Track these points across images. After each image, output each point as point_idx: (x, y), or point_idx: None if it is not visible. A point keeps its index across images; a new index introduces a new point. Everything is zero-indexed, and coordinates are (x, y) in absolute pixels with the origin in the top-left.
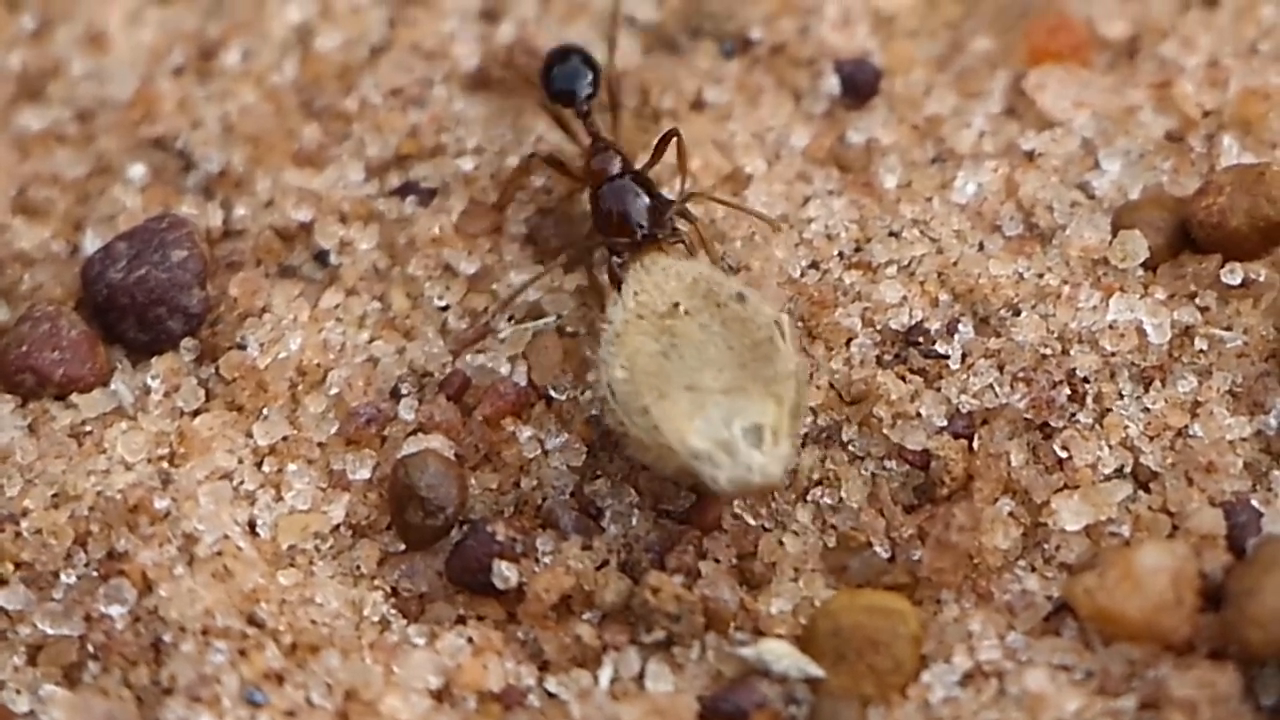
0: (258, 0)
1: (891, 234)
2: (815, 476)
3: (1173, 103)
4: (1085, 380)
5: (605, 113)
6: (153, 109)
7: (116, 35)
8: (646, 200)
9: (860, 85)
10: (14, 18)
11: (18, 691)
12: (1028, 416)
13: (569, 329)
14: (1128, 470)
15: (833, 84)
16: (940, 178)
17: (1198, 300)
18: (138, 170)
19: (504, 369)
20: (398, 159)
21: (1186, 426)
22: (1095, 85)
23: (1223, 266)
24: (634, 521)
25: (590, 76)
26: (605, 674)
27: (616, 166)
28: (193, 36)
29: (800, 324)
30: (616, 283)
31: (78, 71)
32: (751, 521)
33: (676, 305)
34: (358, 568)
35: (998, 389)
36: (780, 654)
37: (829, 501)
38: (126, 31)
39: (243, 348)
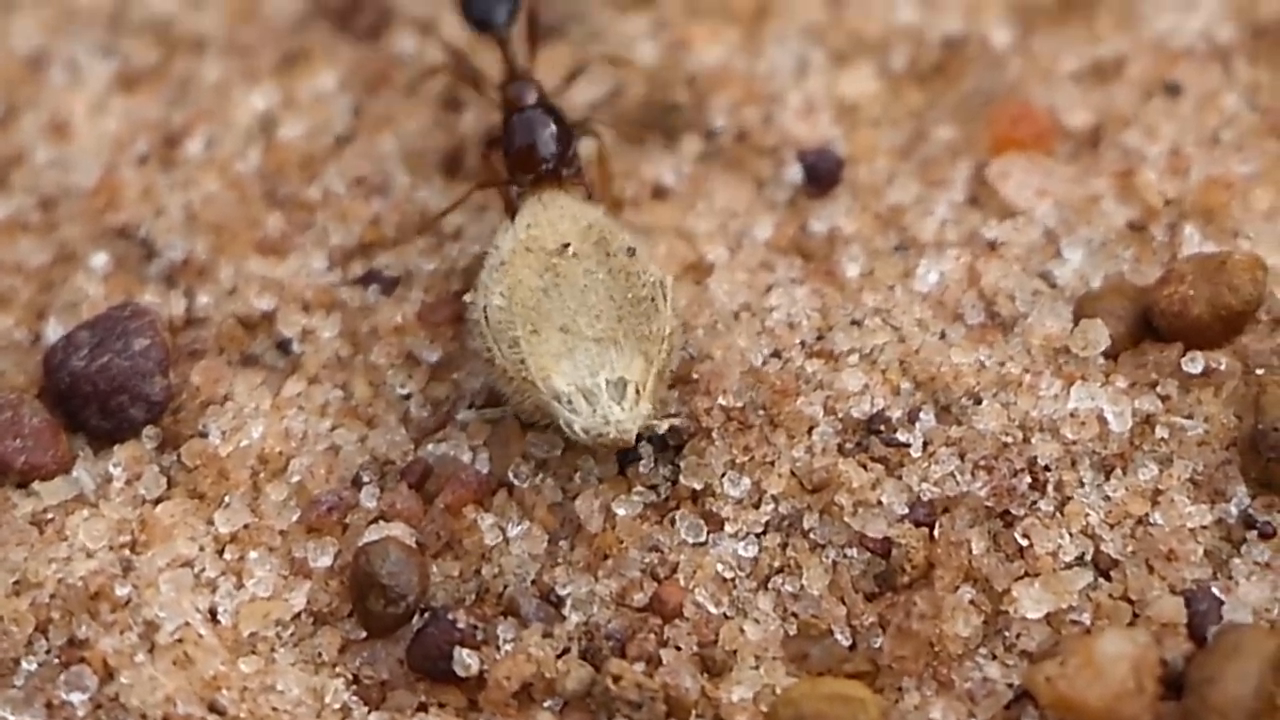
0: (221, 89)
1: (854, 322)
2: (776, 564)
3: (1135, 191)
4: (1046, 468)
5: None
6: (116, 197)
7: (80, 124)
8: (554, 132)
9: (823, 174)
10: None
11: None
12: (989, 504)
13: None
14: (1089, 558)
15: (795, 172)
16: (903, 266)
17: (1159, 389)
18: (100, 259)
19: (465, 456)
20: (361, 247)
21: (1147, 514)
22: (1058, 174)
23: (1184, 355)
24: (595, 609)
25: (509, 4)
26: None
27: (531, 98)
28: (157, 125)
29: (762, 412)
30: (511, 212)
31: (41, 160)
32: (713, 609)
33: (566, 246)
34: (319, 655)
35: (959, 477)
36: None
37: (790, 589)
38: (91, 120)
39: (205, 435)
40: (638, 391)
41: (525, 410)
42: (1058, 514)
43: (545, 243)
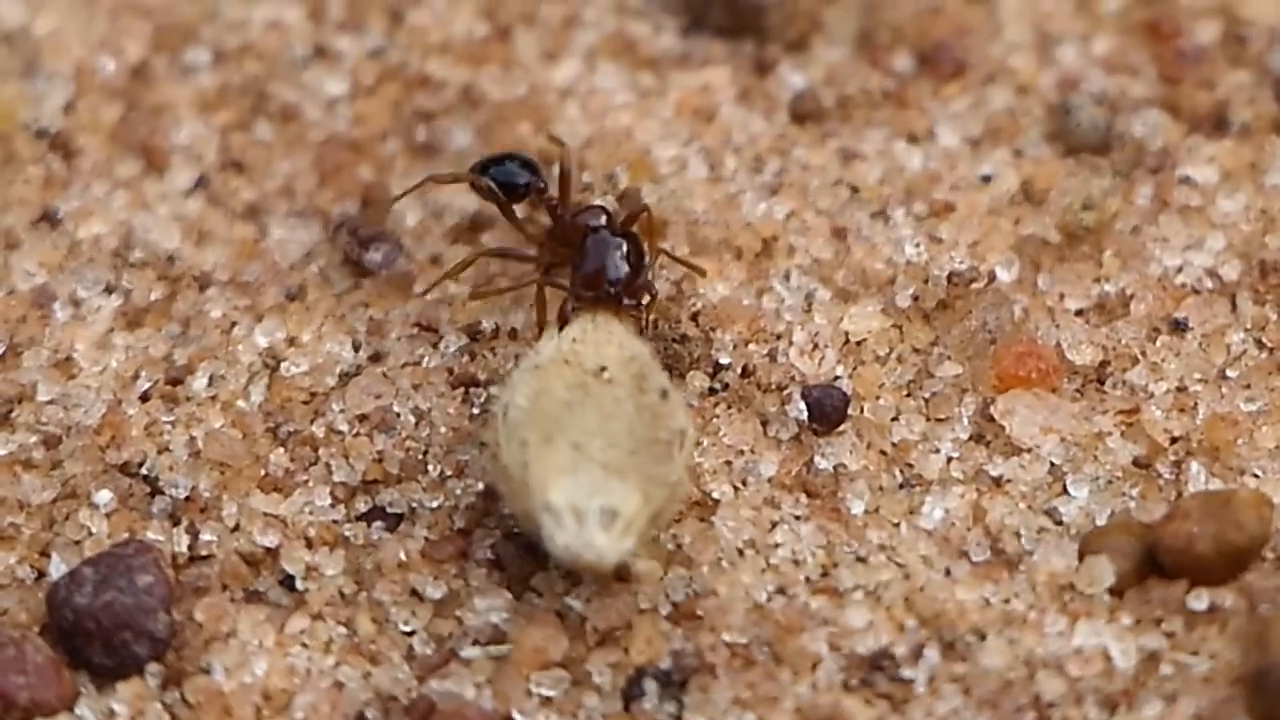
0: (225, 326)
1: (858, 559)
2: None
3: (1141, 429)
4: (1051, 705)
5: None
6: (120, 434)
7: (84, 360)
8: (629, 259)
9: (828, 411)
10: None
11: None
12: None
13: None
14: None
15: (801, 409)
16: (908, 503)
17: (1164, 626)
18: (104, 495)
19: (469, 694)
20: (364, 484)
21: None
22: (1063, 411)
23: (1189, 592)
24: None
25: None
26: None
27: (603, 220)
28: (160, 362)
29: (766, 648)
30: (563, 322)
31: (44, 396)
32: None
33: (603, 369)
34: None
35: (963, 714)
36: None
37: None
38: (94, 356)
39: (208, 672)
40: (627, 525)
41: (514, 512)
42: None
43: (585, 360)
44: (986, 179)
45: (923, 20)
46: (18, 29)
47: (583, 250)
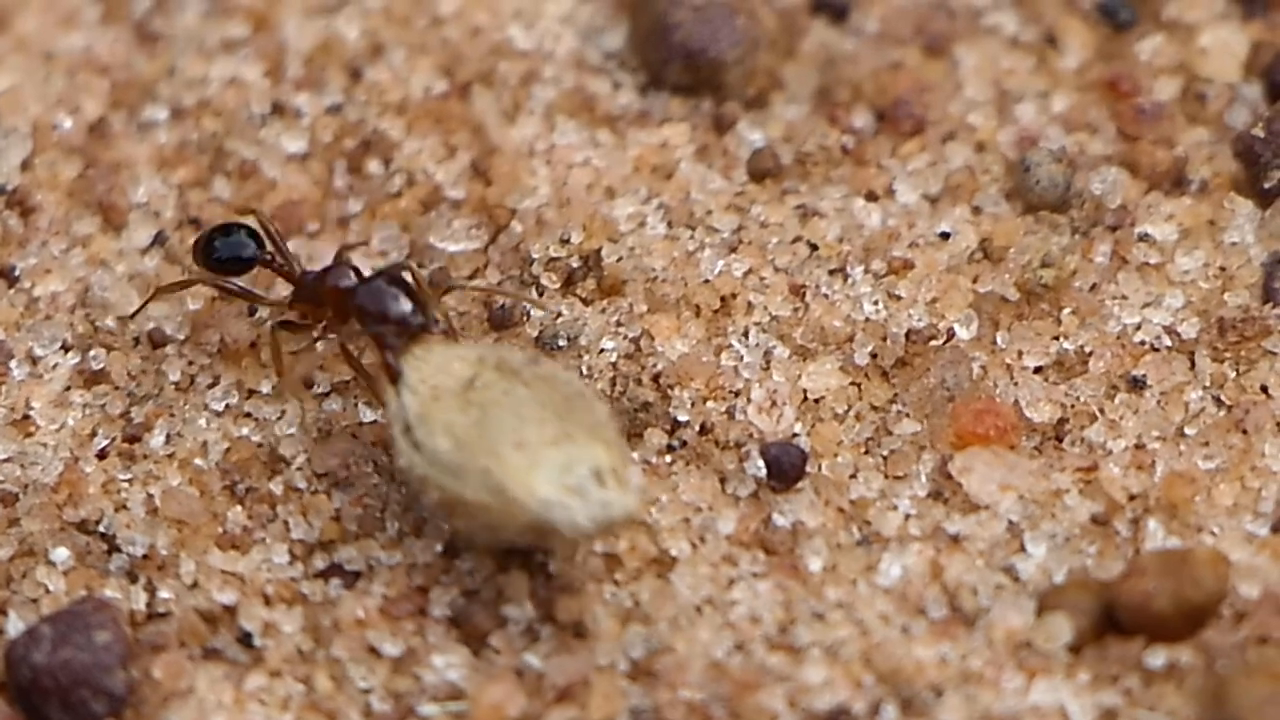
0: (184, 383)
1: (816, 616)
2: None
3: (1099, 486)
4: None
5: None
6: (77, 492)
7: (41, 418)
8: (409, 294)
9: (786, 468)
10: None
11: None
12: None
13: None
14: None
15: (759, 466)
16: (866, 560)
17: (1121, 683)
18: (62, 553)
19: None
20: (322, 543)
21: None
22: (1021, 468)
23: (1146, 649)
24: None
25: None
26: None
27: (354, 274)
28: (118, 419)
29: (724, 705)
30: (394, 376)
31: (1, 454)
32: None
33: (471, 380)
34: None
35: None
36: None
37: None
38: (51, 414)
39: None
40: (613, 471)
41: (510, 535)
42: None
43: (447, 386)
44: (945, 236)
45: (882, 77)
46: None
47: (364, 306)
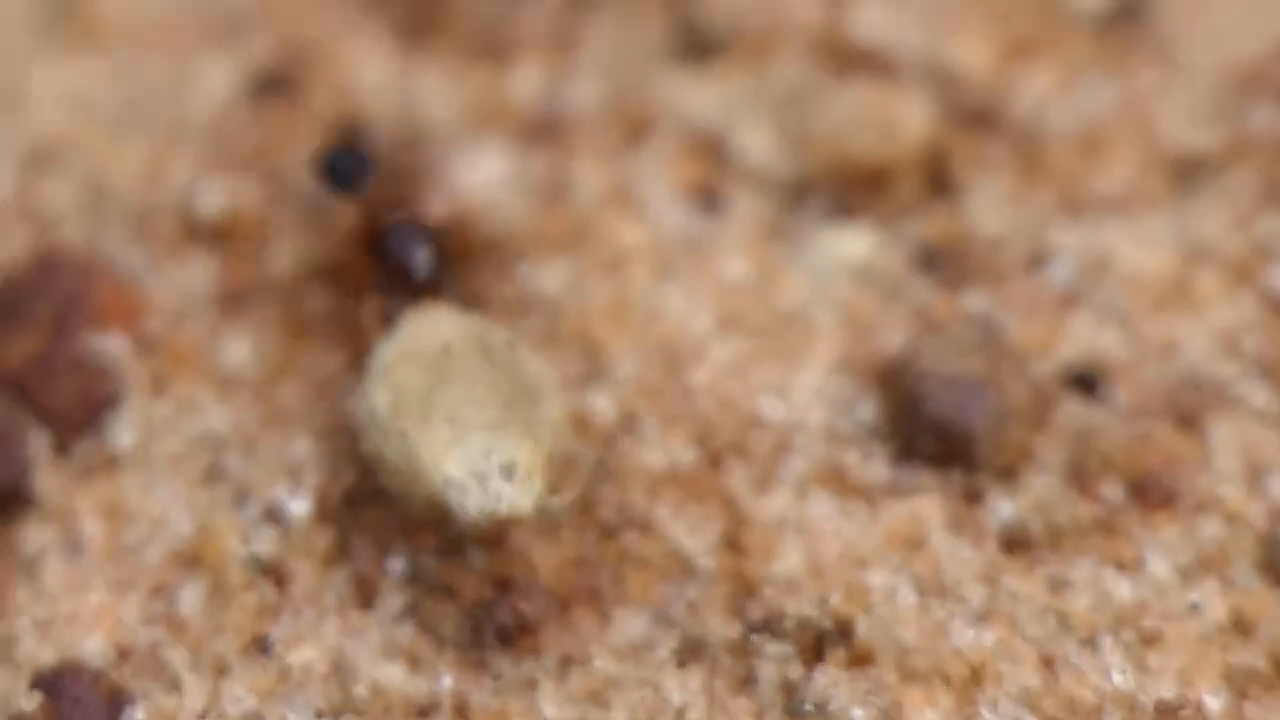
0: None
1: None
2: None
3: None
4: None
5: None
6: None
7: None
8: (430, 251)
9: None
10: None
11: None
12: None
13: None
14: None
15: None
16: None
17: None
18: None
19: None
20: None
21: None
22: None
23: None
24: None
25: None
26: None
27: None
28: None
29: None
30: (389, 324)
31: None
32: None
33: (448, 347)
34: None
35: None
36: None
37: None
38: None
39: None
40: (528, 471)
41: (416, 507)
42: None
43: (426, 347)
44: (1195, 608)
45: (1133, 449)
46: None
47: (387, 248)
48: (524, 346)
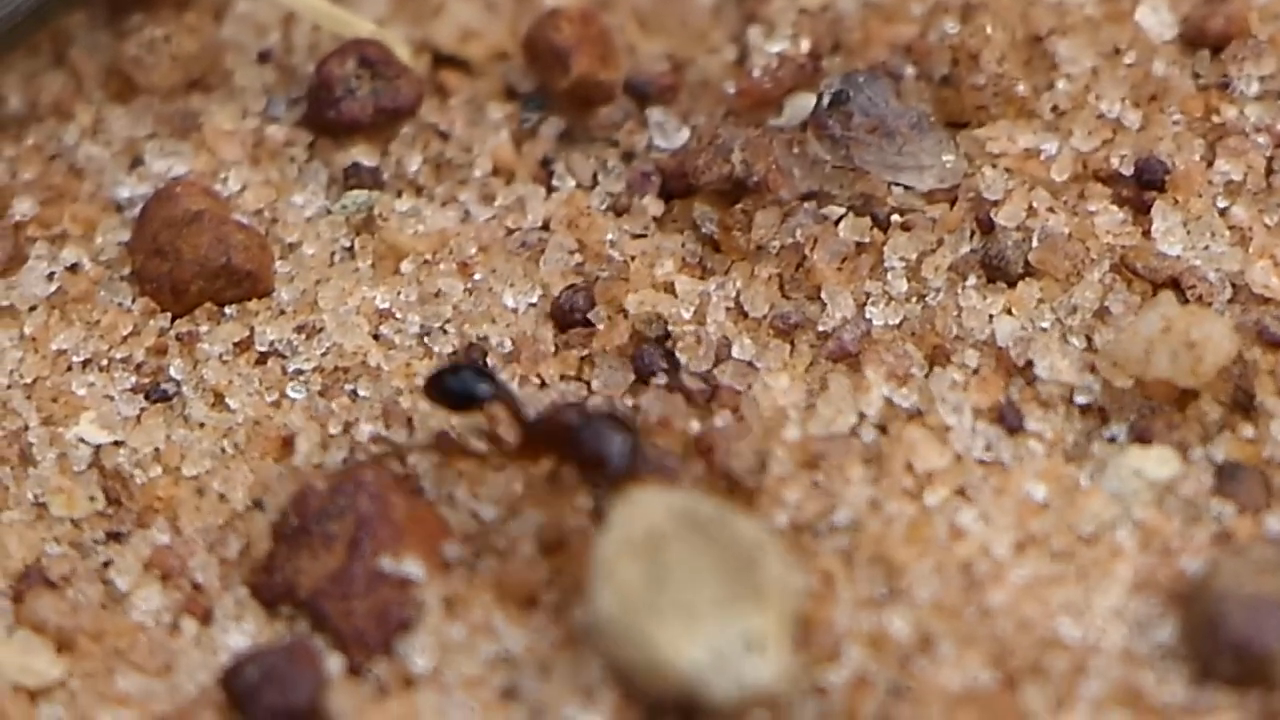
0: None
1: None
2: None
3: None
4: None
5: None
6: None
7: None
8: (622, 437)
9: None
10: None
11: None
12: None
13: None
14: None
15: None
16: None
17: None
18: None
19: None
20: None
21: None
22: None
23: None
24: None
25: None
26: None
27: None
28: None
29: None
30: (599, 517)
31: None
32: None
33: (661, 532)
34: None
35: None
36: None
37: None
38: None
39: None
40: (767, 640)
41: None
42: None
43: (638, 535)
44: None
45: None
46: None
47: (581, 443)
48: (733, 513)
